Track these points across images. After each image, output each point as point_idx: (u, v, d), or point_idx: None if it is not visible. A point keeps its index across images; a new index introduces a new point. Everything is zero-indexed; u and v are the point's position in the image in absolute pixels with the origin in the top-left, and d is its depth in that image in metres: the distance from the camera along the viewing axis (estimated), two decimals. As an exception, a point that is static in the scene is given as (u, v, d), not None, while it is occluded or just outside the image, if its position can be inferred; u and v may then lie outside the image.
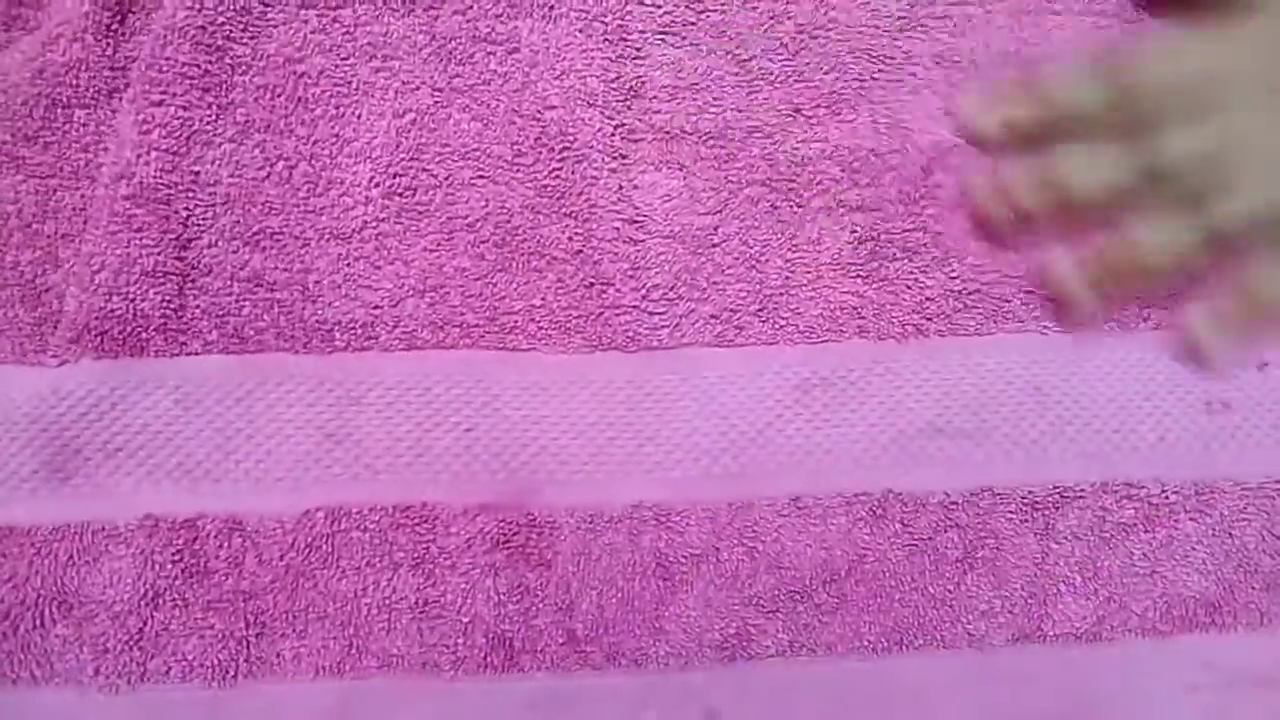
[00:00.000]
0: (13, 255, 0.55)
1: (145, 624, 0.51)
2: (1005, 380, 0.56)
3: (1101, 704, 0.52)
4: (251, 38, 0.57)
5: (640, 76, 0.58)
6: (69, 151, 0.56)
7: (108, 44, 0.57)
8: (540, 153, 0.57)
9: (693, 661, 0.52)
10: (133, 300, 0.54)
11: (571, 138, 0.57)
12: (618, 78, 0.58)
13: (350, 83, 0.57)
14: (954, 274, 0.57)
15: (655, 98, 0.58)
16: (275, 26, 0.58)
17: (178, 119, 0.56)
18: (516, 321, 0.56)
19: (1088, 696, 0.52)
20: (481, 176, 0.57)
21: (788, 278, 0.56)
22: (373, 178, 0.57)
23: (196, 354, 0.55)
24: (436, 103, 0.58)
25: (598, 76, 0.58)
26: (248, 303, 0.55)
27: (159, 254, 0.55)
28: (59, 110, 0.56)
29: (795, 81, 0.59)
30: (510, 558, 0.53)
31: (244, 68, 0.57)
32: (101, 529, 0.52)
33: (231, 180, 0.56)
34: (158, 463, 0.53)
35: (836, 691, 0.52)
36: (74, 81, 0.57)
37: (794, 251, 0.57)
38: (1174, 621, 0.53)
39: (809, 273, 0.56)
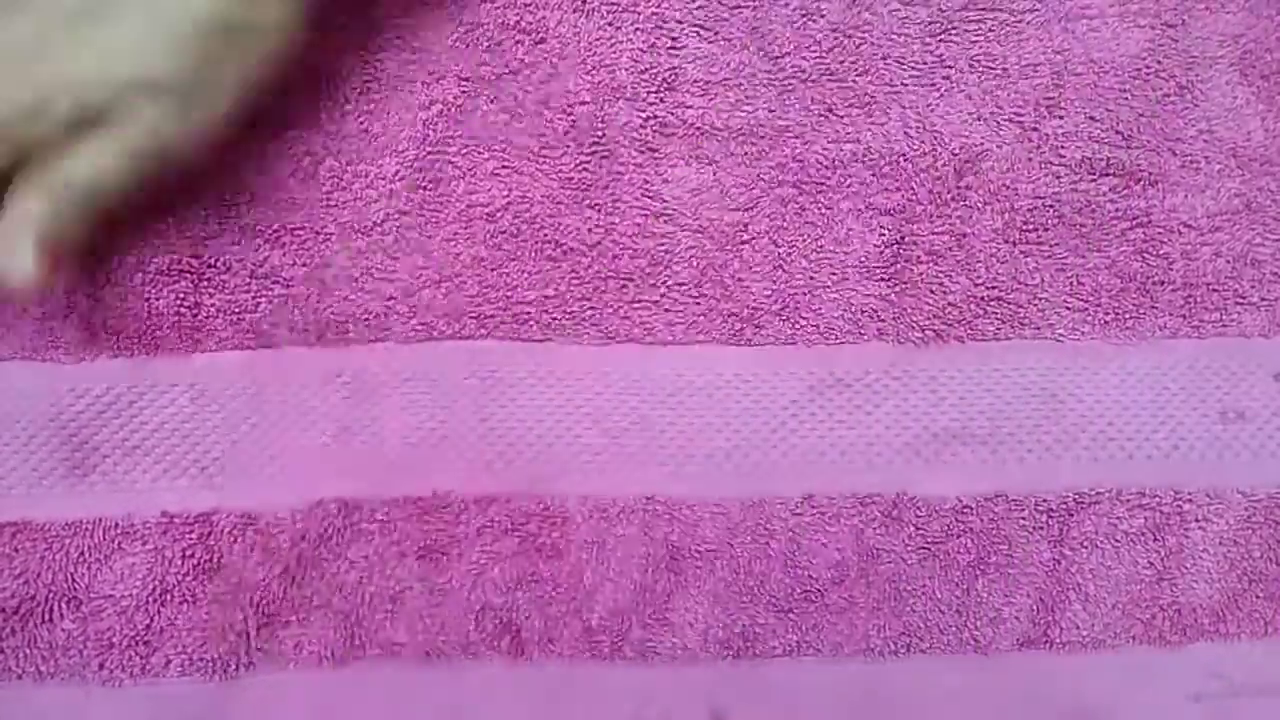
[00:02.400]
0: None
1: (151, 619, 0.51)
2: (1021, 386, 0.56)
3: (1107, 712, 0.53)
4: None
5: (674, 69, 0.57)
6: None
7: None
8: (568, 145, 0.56)
9: (699, 657, 0.52)
10: (149, 299, 0.53)
11: (601, 132, 0.56)
12: (650, 70, 0.57)
13: (379, 78, 0.56)
14: (978, 279, 0.56)
15: (688, 91, 0.57)
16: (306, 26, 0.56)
17: None
18: (530, 312, 0.55)
19: (1093, 704, 0.53)
20: (506, 167, 0.56)
21: (812, 278, 0.56)
22: (397, 171, 0.55)
23: (211, 351, 0.54)
24: (464, 93, 0.56)
25: (628, 69, 0.57)
26: (263, 299, 0.54)
27: (177, 253, 0.54)
28: None
29: (828, 81, 0.58)
30: (521, 545, 0.53)
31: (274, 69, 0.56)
32: (116, 525, 0.51)
33: (258, 179, 0.55)
34: (174, 459, 0.52)
35: (842, 694, 0.53)
36: None
37: (820, 252, 0.56)
38: (1181, 630, 0.54)
39: (834, 274, 0.56)
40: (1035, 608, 0.54)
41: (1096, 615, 0.54)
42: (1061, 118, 0.58)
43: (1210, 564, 0.55)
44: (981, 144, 0.58)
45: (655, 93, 0.57)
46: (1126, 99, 0.59)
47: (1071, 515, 0.55)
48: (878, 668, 0.53)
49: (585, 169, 0.56)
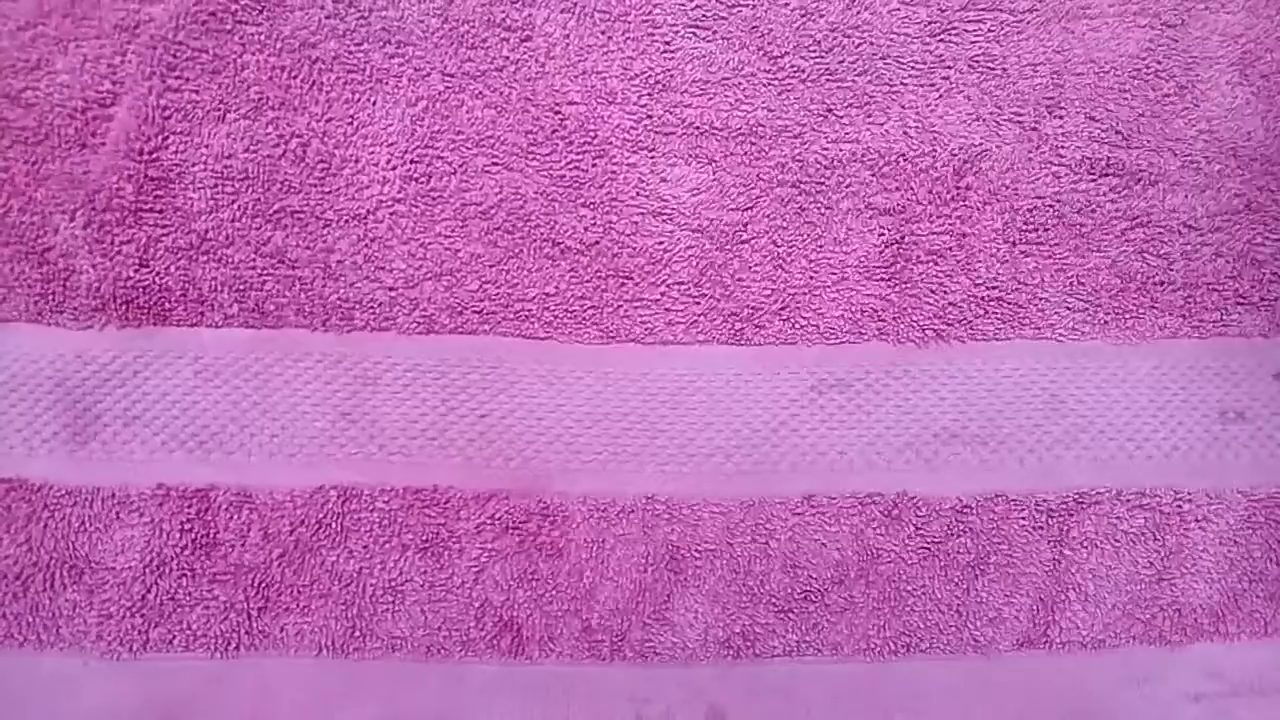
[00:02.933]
0: (14, 218, 0.55)
1: (150, 592, 0.51)
2: (1021, 387, 0.56)
3: (1106, 712, 0.52)
4: (267, 19, 0.57)
5: (669, 69, 0.58)
6: (55, 119, 0.56)
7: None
8: (556, 143, 0.57)
9: (699, 656, 0.52)
10: (157, 273, 0.55)
11: (592, 132, 0.57)
12: (642, 72, 0.58)
13: (363, 69, 0.57)
14: (977, 279, 0.56)
15: (686, 91, 0.58)
16: (291, 11, 0.58)
17: (190, 102, 0.56)
18: (532, 309, 0.56)
19: (1092, 705, 0.52)
20: (496, 164, 0.57)
21: (812, 278, 0.56)
22: (389, 160, 0.57)
23: (216, 326, 0.55)
24: (449, 89, 0.58)
25: (619, 71, 0.58)
26: (269, 278, 0.55)
27: (183, 228, 0.55)
28: (45, 75, 0.56)
29: (827, 81, 0.58)
30: (521, 544, 0.53)
31: (257, 47, 0.57)
32: (113, 495, 0.52)
33: (247, 155, 0.56)
34: (173, 432, 0.53)
35: (841, 693, 0.52)
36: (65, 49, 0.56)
37: (820, 252, 0.57)
38: (1181, 630, 0.53)
39: (834, 274, 0.56)
40: (1035, 607, 0.53)
41: (1096, 615, 0.53)
42: (1061, 118, 0.58)
43: (1210, 564, 0.54)
44: (981, 144, 0.58)
45: (648, 93, 0.58)
46: (1126, 99, 0.59)
47: (1071, 515, 0.54)
48: (877, 667, 0.53)
49: (577, 167, 0.57)
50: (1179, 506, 0.55)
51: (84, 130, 0.56)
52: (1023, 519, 0.54)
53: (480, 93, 0.58)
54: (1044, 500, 0.54)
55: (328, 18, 0.58)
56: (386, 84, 0.57)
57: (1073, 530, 0.54)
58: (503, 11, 0.58)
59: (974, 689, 0.52)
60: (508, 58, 0.58)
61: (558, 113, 0.58)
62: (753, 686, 0.52)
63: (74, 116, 0.56)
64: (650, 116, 0.58)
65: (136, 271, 0.55)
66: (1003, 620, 0.53)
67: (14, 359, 0.54)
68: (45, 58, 0.56)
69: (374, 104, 0.57)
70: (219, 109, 0.56)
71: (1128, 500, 0.55)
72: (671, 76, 0.58)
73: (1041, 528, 0.54)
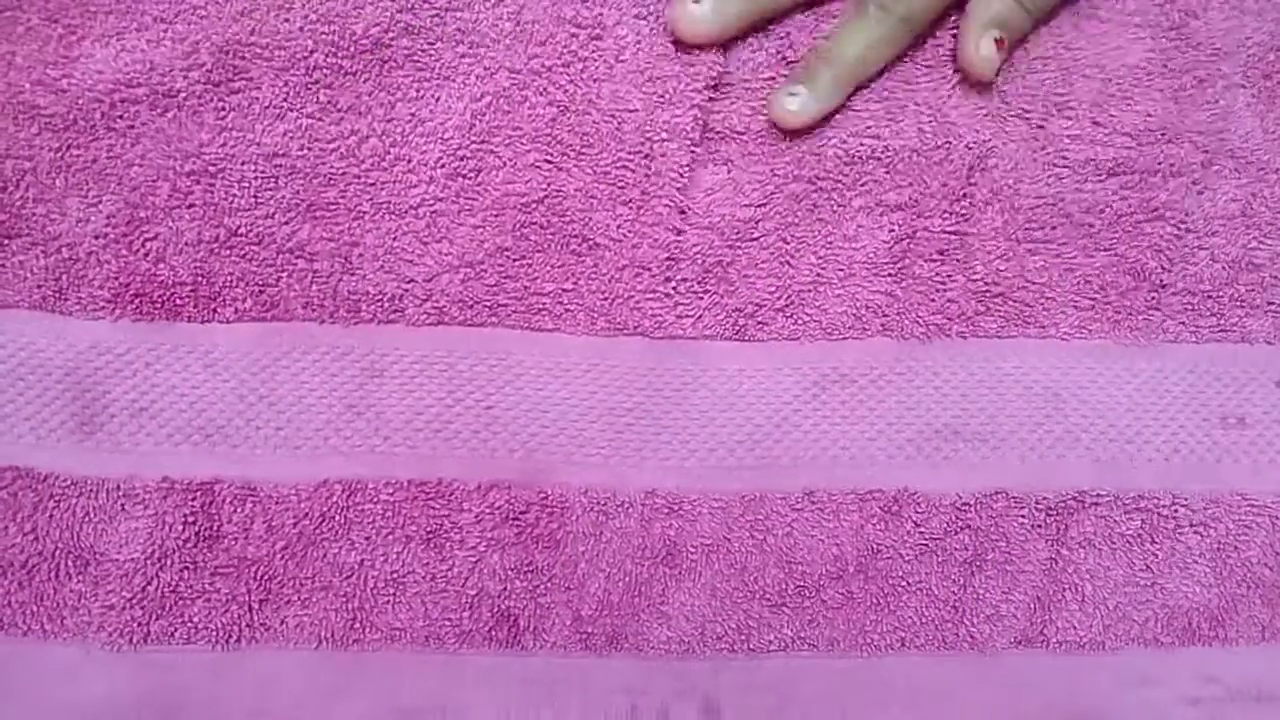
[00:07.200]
0: (29, 208, 0.54)
1: (152, 584, 0.51)
2: (1024, 385, 0.56)
3: (1102, 714, 0.53)
4: (339, 15, 0.56)
5: (716, 72, 0.58)
6: (83, 102, 0.55)
7: None
8: (608, 143, 0.57)
9: (694, 650, 0.53)
10: (176, 268, 0.54)
11: (647, 133, 0.57)
12: (701, 73, 0.57)
13: (434, 67, 0.57)
14: (979, 275, 0.57)
15: (726, 93, 0.58)
16: (362, 8, 0.56)
17: (250, 100, 0.55)
18: (545, 303, 0.56)
19: (1088, 705, 0.53)
20: (547, 161, 0.57)
21: (819, 274, 0.56)
22: (439, 158, 0.56)
23: (229, 321, 0.54)
24: (514, 84, 0.57)
25: (679, 73, 0.57)
26: (285, 272, 0.55)
27: (213, 225, 0.55)
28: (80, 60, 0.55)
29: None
30: (520, 535, 0.53)
31: (330, 49, 0.56)
32: (118, 487, 0.52)
33: (300, 154, 0.56)
34: (178, 425, 0.53)
35: (837, 689, 0.53)
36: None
37: (828, 249, 0.57)
38: (1175, 633, 0.54)
39: (841, 270, 0.56)
40: (1032, 606, 0.54)
41: (1094, 616, 0.54)
42: (1070, 117, 0.59)
43: (1207, 568, 0.55)
44: (990, 141, 0.58)
45: (702, 94, 0.57)
46: (1132, 100, 0.59)
47: (1071, 515, 0.55)
48: (873, 663, 0.53)
49: (625, 167, 0.57)
50: (1175, 510, 0.55)
51: (110, 114, 0.55)
52: (1022, 517, 0.55)
53: (544, 89, 0.57)
54: (1043, 499, 0.55)
55: (400, 12, 0.57)
56: (454, 81, 0.57)
57: (1071, 530, 0.54)
58: (573, 9, 0.57)
59: (970, 686, 0.53)
60: (575, 54, 0.57)
61: (615, 117, 0.57)
62: (748, 681, 0.53)
63: (100, 100, 0.55)
64: (700, 119, 0.57)
65: (155, 265, 0.54)
66: (1000, 618, 0.54)
67: (21, 348, 0.53)
68: (81, 41, 0.55)
69: (437, 100, 0.56)
70: (278, 107, 0.55)
71: (1125, 503, 0.55)
72: (721, 78, 0.58)
73: (1040, 526, 0.55)
